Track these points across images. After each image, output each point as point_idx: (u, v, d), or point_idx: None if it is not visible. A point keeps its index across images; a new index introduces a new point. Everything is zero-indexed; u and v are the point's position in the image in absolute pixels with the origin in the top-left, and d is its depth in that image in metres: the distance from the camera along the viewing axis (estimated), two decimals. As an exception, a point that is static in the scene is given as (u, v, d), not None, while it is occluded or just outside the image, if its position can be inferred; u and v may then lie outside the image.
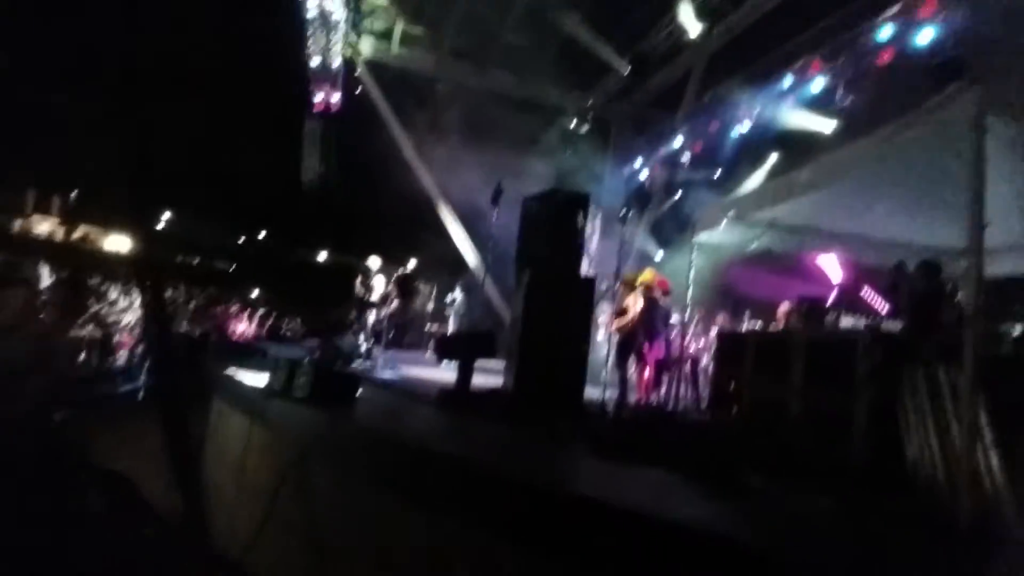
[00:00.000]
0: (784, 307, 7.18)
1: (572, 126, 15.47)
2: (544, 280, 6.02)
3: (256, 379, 6.05)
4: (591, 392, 6.27)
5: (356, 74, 14.92)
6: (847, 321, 5.91)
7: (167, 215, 28.38)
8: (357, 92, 15.24)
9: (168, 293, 13.95)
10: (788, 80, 9.98)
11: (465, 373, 5.86)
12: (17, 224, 29.02)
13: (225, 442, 6.32)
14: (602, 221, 13.05)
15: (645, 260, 12.33)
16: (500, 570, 3.23)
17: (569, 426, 5.00)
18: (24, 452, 3.68)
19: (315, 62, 14.62)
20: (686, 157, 12.95)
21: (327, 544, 4.33)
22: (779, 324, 7.28)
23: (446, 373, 6.84)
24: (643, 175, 14.18)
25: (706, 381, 7.01)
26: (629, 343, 6.99)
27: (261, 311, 16.12)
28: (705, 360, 7.70)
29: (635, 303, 7.07)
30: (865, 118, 7.98)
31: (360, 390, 5.42)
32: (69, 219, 30.64)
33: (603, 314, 8.36)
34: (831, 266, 7.06)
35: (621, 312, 7.12)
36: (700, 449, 4.00)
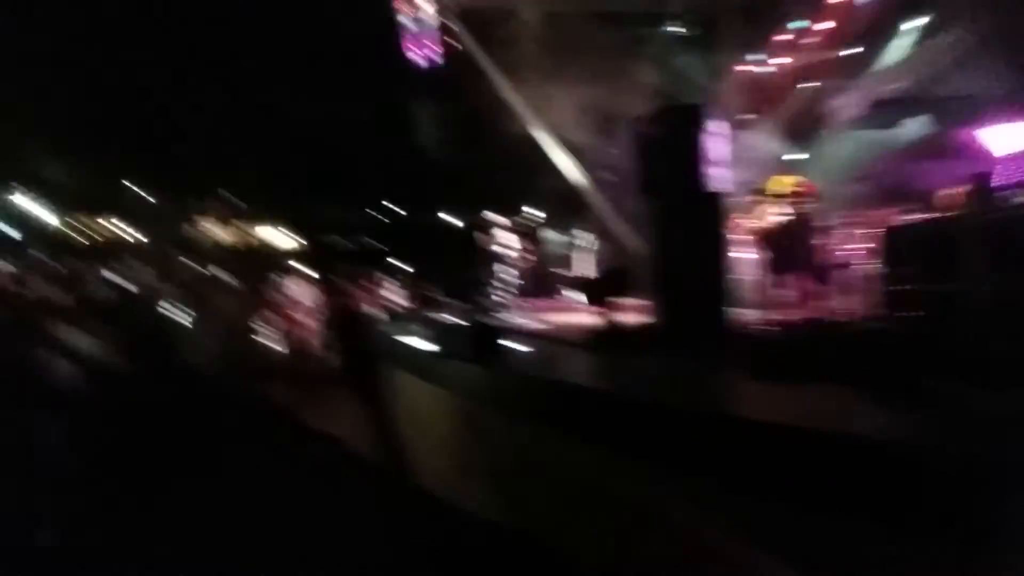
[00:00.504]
0: (953, 190, 6.32)
1: (672, 30, 14.35)
2: (668, 205, 5.79)
3: (419, 343, 6.55)
4: (742, 313, 6.04)
5: (450, 26, 14.85)
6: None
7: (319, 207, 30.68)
8: (451, 44, 15.22)
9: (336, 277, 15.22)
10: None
11: (610, 311, 5.90)
12: (187, 229, 33.05)
13: (404, 402, 6.98)
14: (724, 128, 12.11)
15: (780, 164, 11.41)
16: (671, 503, 3.31)
17: (722, 351, 4.89)
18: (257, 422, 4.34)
19: (407, 21, 14.74)
20: (813, 38, 11.57)
21: (506, 484, 4.68)
22: (949, 211, 6.44)
23: (585, 316, 6.91)
24: (767, 70, 12.91)
25: (870, 285, 6.45)
26: (777, 256, 6.59)
27: (410, 281, 17.10)
28: (866, 263, 7.04)
29: (774, 213, 6.62)
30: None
31: (509, 341, 5.67)
32: (244, 222, 34.30)
33: (741, 230, 7.90)
34: (998, 139, 6.07)
35: (762, 226, 6.70)
36: (870, 358, 3.74)
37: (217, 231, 33.93)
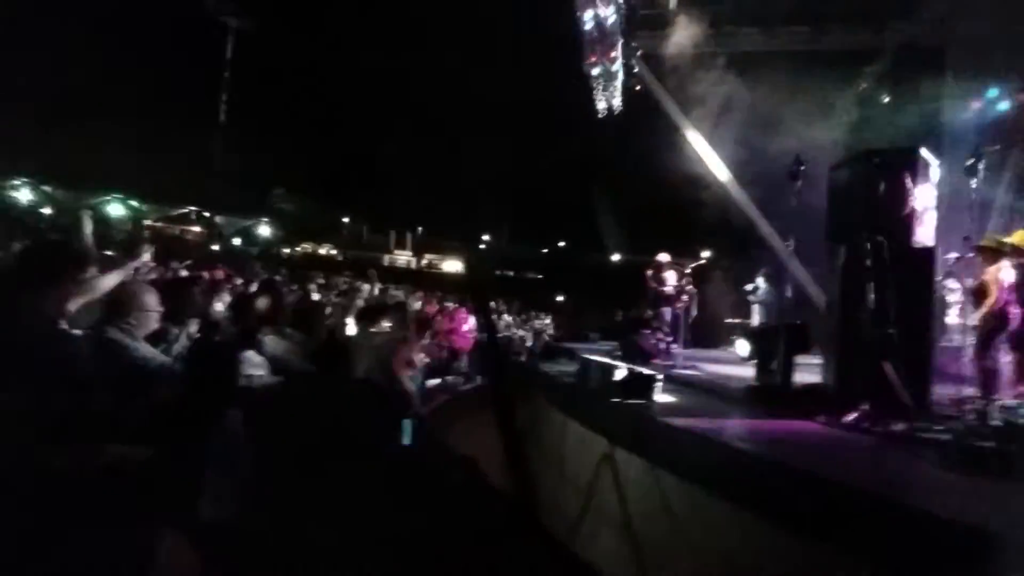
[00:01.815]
0: None
1: (888, 67, 12.99)
2: (865, 256, 5.12)
3: (567, 377, 6.51)
4: (943, 389, 5.14)
5: (635, 71, 15.00)
6: None
7: (486, 237, 33.06)
8: (637, 89, 15.32)
9: (492, 304, 15.96)
10: None
11: (785, 367, 5.36)
12: (386, 258, 37.30)
13: (545, 434, 6.94)
14: (945, 176, 10.60)
15: (1016, 219, 9.65)
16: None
17: (913, 430, 4.17)
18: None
19: (596, 71, 15.15)
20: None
21: (640, 535, 4.41)
22: None
23: (749, 370, 6.36)
24: (1002, 106, 11.10)
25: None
26: (996, 325, 5.53)
27: (566, 314, 17.34)
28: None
29: (1001, 273, 5.56)
30: None
31: (661, 387, 5.39)
32: (418, 251, 38.29)
33: (953, 292, 6.78)
34: None
35: (980, 288, 5.68)
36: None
37: (407, 258, 37.96)
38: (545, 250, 36.46)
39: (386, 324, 5.66)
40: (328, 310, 6.82)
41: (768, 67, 13.32)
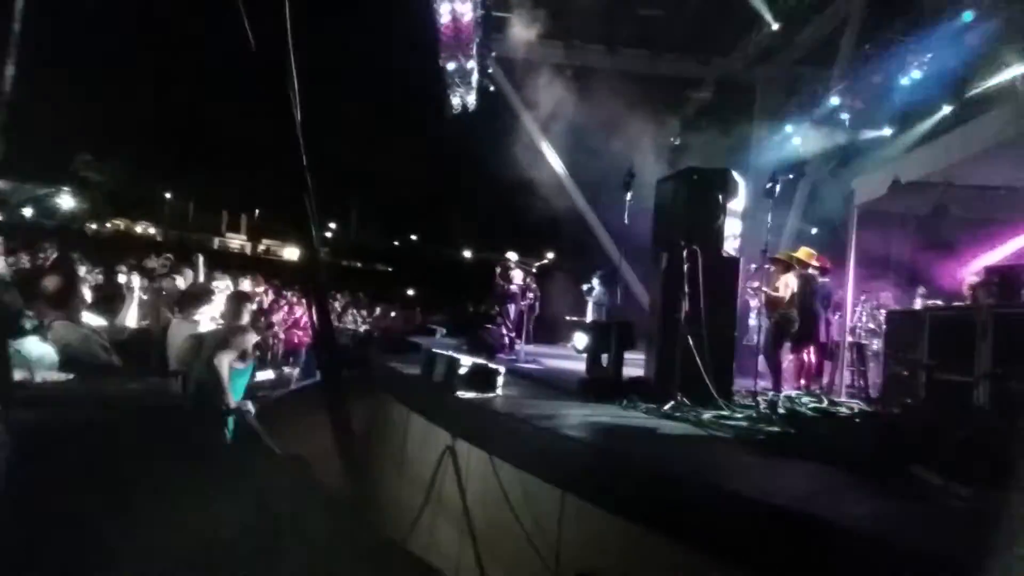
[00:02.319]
0: (969, 280, 6.24)
1: (710, 96, 14.64)
2: (682, 262, 5.76)
3: (411, 371, 6.49)
4: (741, 382, 5.92)
5: (488, 71, 15.32)
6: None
7: (333, 225, 31.64)
8: (491, 89, 15.67)
9: (336, 295, 15.35)
10: (968, 16, 8.61)
11: (615, 361, 5.81)
12: (215, 241, 34.11)
13: (388, 431, 6.87)
14: (749, 197, 12.21)
15: (801, 237, 11.37)
16: (646, 561, 3.19)
17: (717, 417, 4.78)
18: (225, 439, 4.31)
19: (451, 66, 15.22)
20: (845, 116, 11.71)
21: (478, 528, 4.56)
22: (964, 300, 6.36)
23: (582, 363, 6.82)
24: (795, 141, 13.04)
25: (875, 368, 6.33)
26: (784, 327, 6.50)
27: (415, 308, 17.27)
28: (874, 345, 6.94)
29: (789, 283, 6.55)
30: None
31: (502, 381, 5.59)
32: (254, 235, 35.43)
33: (753, 297, 7.84)
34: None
35: (773, 295, 6.64)
36: (867, 442, 3.62)
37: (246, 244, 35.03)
38: (396, 243, 35.78)
39: (210, 312, 5.25)
40: (137, 296, 6.19)
41: (609, 83, 14.38)
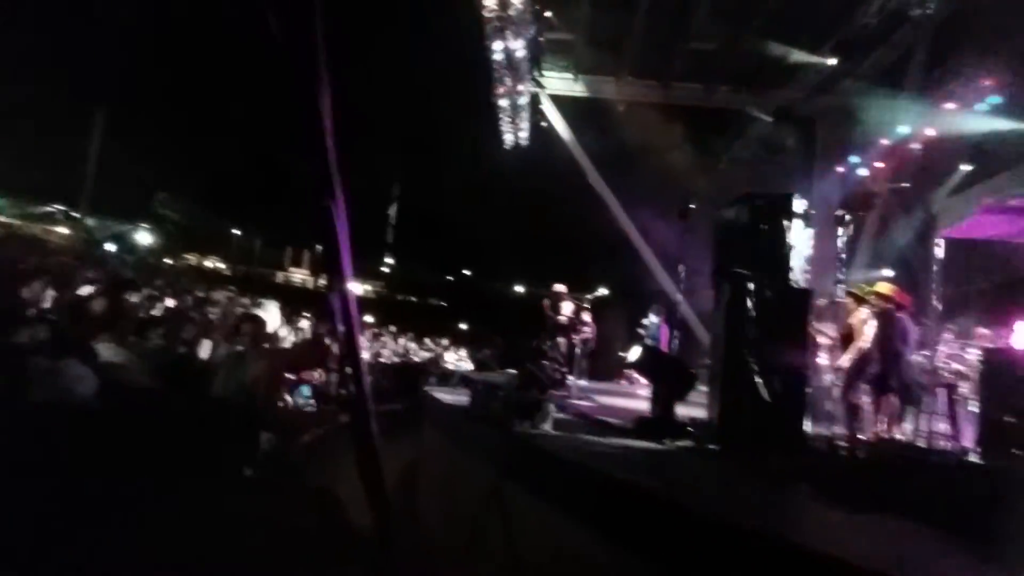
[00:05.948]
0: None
1: (769, 130, 14.21)
2: (747, 294, 5.36)
3: (459, 404, 6.31)
4: (813, 426, 5.45)
5: (540, 107, 15.39)
6: None
7: (390, 261, 32.33)
8: (543, 124, 15.72)
9: (381, 329, 15.44)
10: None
11: (665, 400, 5.46)
12: (279, 275, 35.39)
13: (434, 464, 6.66)
14: (817, 228, 11.62)
15: (872, 272, 10.70)
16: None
17: (787, 463, 4.34)
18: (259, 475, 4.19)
19: (503, 102, 15.38)
20: (916, 145, 11.10)
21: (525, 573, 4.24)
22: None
23: (641, 403, 6.48)
24: (862, 172, 12.44)
25: (967, 413, 5.71)
26: (861, 367, 5.99)
27: (466, 342, 17.19)
28: (965, 387, 6.28)
29: (865, 320, 6.06)
30: None
31: (553, 417, 5.33)
32: (315, 270, 36.60)
33: (823, 335, 7.31)
34: None
35: (847, 333, 6.14)
36: (963, 498, 3.16)
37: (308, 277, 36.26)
38: (450, 278, 36.14)
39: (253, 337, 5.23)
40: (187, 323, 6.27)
41: (663, 116, 14.20)
